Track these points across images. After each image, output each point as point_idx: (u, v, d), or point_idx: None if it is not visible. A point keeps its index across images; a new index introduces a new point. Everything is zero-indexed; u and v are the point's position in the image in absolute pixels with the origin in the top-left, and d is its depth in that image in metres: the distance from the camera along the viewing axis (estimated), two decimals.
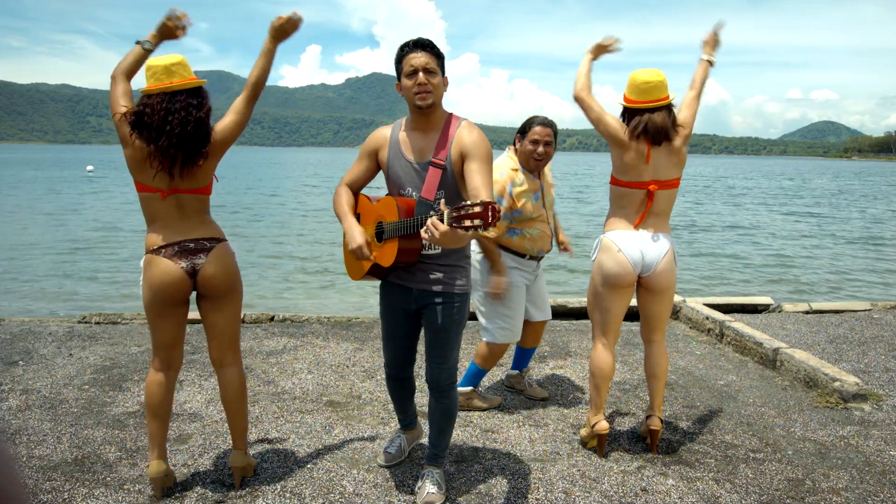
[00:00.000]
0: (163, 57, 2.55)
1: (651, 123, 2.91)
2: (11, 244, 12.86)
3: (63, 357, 4.41)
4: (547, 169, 3.55)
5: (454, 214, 1.98)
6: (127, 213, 18.98)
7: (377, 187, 2.72)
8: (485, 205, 1.95)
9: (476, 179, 2.33)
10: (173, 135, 2.44)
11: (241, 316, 2.85)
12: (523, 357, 3.93)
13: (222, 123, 2.61)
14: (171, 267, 2.53)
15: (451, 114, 2.53)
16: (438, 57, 2.42)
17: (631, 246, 2.98)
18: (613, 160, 3.05)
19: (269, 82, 2.79)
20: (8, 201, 22.67)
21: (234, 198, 25.55)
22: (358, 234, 2.42)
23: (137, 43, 2.67)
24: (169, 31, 2.69)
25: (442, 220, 2.01)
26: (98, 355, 4.47)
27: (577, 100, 3.08)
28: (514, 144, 3.48)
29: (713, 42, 3.18)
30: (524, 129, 3.41)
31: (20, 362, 4.29)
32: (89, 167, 48.88)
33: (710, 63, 3.16)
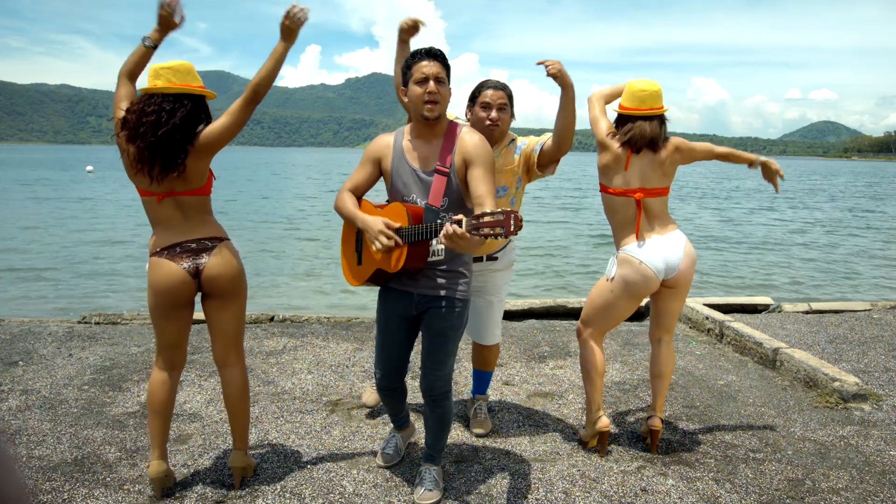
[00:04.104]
0: (167, 61, 2.56)
1: (639, 129, 2.98)
2: (11, 244, 12.86)
3: (63, 357, 4.41)
4: (509, 148, 3.12)
5: (473, 222, 1.99)
6: (127, 214, 18.97)
7: (375, 192, 2.72)
8: (507, 213, 1.94)
9: (481, 188, 2.35)
10: (146, 137, 2.43)
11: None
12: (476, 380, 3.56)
13: (212, 126, 2.55)
14: (173, 268, 2.53)
15: (451, 120, 2.54)
16: (447, 67, 2.45)
17: (652, 255, 2.99)
18: (598, 163, 3.14)
19: None
20: (8, 202, 22.67)
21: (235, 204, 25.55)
22: (379, 222, 2.35)
23: (142, 40, 2.66)
24: (165, 21, 2.64)
25: (460, 226, 2.02)
26: (98, 355, 4.47)
27: (589, 99, 3.23)
28: (466, 116, 3.11)
29: (769, 168, 3.11)
30: (474, 96, 3.04)
31: (20, 362, 4.28)
32: (89, 167, 48.83)
33: (751, 163, 3.11)
